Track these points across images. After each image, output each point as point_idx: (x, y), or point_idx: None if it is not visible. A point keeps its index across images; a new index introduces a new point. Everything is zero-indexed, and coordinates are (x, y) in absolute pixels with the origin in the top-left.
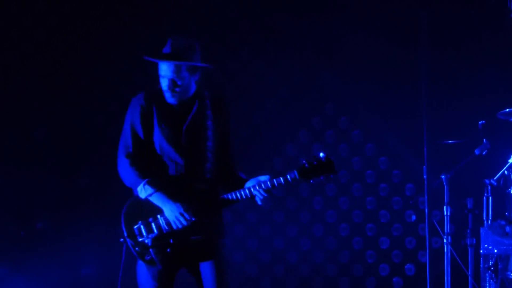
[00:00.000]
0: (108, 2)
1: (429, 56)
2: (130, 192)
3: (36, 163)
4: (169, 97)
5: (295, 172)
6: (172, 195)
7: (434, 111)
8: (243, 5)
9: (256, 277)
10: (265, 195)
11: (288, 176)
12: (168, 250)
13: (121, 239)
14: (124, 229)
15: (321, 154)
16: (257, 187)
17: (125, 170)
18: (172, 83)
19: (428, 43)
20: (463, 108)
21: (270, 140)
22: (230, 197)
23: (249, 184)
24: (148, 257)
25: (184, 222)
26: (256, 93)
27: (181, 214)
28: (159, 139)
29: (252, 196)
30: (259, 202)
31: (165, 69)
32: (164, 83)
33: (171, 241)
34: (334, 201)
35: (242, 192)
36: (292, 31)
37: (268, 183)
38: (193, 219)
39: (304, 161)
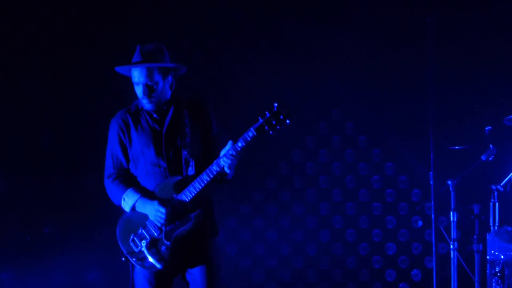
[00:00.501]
0: (116, 7)
1: (435, 62)
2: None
3: (43, 167)
4: (146, 103)
5: (251, 129)
6: (154, 197)
7: (440, 117)
8: (250, 11)
9: (261, 282)
10: (231, 160)
11: (246, 135)
12: (163, 248)
13: (123, 259)
14: (122, 248)
15: (275, 104)
16: (223, 158)
17: (108, 189)
18: (147, 89)
19: (435, 49)
20: (469, 114)
21: (277, 145)
22: (204, 178)
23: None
24: (148, 264)
25: (163, 216)
26: (263, 98)
27: (157, 210)
28: (140, 148)
29: (222, 170)
30: (227, 170)
31: (137, 75)
32: (139, 90)
33: (165, 240)
34: (340, 207)
35: (212, 167)
36: (299, 36)
37: (231, 150)
38: (169, 210)
39: (259, 117)
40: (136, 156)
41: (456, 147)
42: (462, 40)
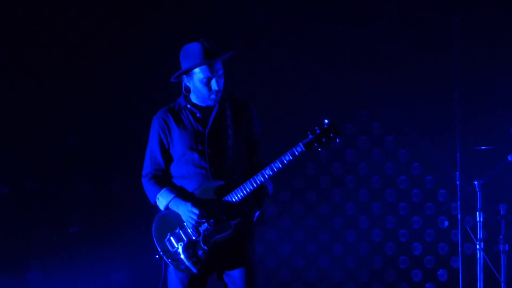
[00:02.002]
0: (139, 7)
1: (462, 62)
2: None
3: (70, 168)
4: (213, 98)
5: (301, 144)
6: (190, 198)
7: (467, 117)
8: (276, 11)
9: (289, 282)
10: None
11: (295, 150)
12: (200, 253)
13: (157, 256)
14: (157, 246)
15: (325, 121)
16: (268, 171)
17: (145, 188)
18: (222, 81)
19: (462, 49)
20: (496, 114)
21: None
22: (247, 187)
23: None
24: (183, 266)
25: (194, 217)
26: (288, 99)
27: (190, 210)
28: (182, 148)
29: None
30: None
31: (220, 67)
32: (214, 84)
33: (202, 245)
34: (367, 207)
35: (257, 177)
36: (325, 36)
37: (278, 163)
38: (204, 213)
39: (308, 133)
40: (177, 156)
41: (483, 147)
42: (489, 40)
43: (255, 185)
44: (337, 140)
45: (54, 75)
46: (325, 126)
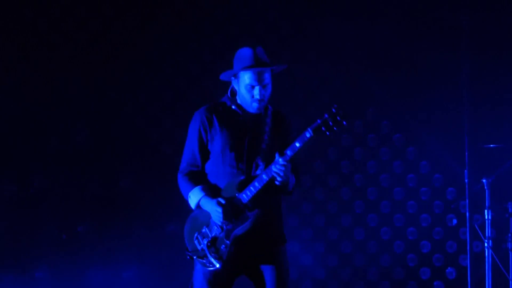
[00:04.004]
0: (147, 6)
1: (471, 60)
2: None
3: (78, 166)
4: (256, 106)
5: (309, 129)
6: (218, 195)
7: (475, 115)
8: (284, 9)
9: (297, 280)
10: (283, 168)
11: (304, 136)
12: (222, 247)
13: (188, 257)
14: (188, 246)
15: (334, 105)
16: (280, 160)
17: (179, 183)
18: (265, 91)
19: (470, 47)
20: (504, 112)
21: (312, 144)
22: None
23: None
24: (207, 262)
25: (220, 215)
26: (296, 97)
27: (215, 210)
28: (221, 148)
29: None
30: (277, 183)
31: (267, 77)
32: (256, 93)
33: (225, 239)
34: (375, 205)
35: (271, 167)
36: (333, 34)
37: (289, 150)
38: (228, 208)
39: (318, 119)
40: (215, 155)
41: (491, 145)
42: (498, 38)
43: (270, 174)
44: (344, 123)
45: (63, 73)
46: (333, 109)
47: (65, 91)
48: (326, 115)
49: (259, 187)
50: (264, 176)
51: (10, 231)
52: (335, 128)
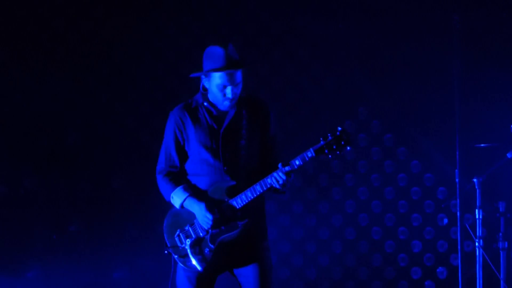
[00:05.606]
0: (138, 6)
1: (462, 60)
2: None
3: (69, 166)
4: (227, 105)
5: (311, 150)
6: (204, 197)
7: (466, 115)
8: (276, 9)
9: (288, 280)
10: (284, 178)
11: (305, 155)
12: (206, 251)
13: (165, 251)
14: (167, 241)
15: (338, 128)
16: (278, 172)
17: (159, 184)
18: (237, 90)
19: (461, 46)
20: (495, 111)
21: (303, 143)
22: (257, 188)
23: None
24: (189, 263)
25: (209, 222)
26: (288, 97)
27: (204, 215)
28: (197, 146)
29: (273, 186)
30: (277, 186)
31: (238, 76)
32: (228, 91)
33: (209, 243)
34: (366, 205)
35: (266, 180)
36: (324, 34)
37: (288, 167)
38: (217, 216)
39: (321, 138)
40: (192, 154)
41: (482, 145)
42: (489, 37)
43: (264, 187)
44: (348, 148)
45: (53, 74)
46: (337, 133)
47: (55, 92)
48: (330, 137)
49: (252, 197)
50: (258, 188)
51: (1, 231)
52: (337, 152)
